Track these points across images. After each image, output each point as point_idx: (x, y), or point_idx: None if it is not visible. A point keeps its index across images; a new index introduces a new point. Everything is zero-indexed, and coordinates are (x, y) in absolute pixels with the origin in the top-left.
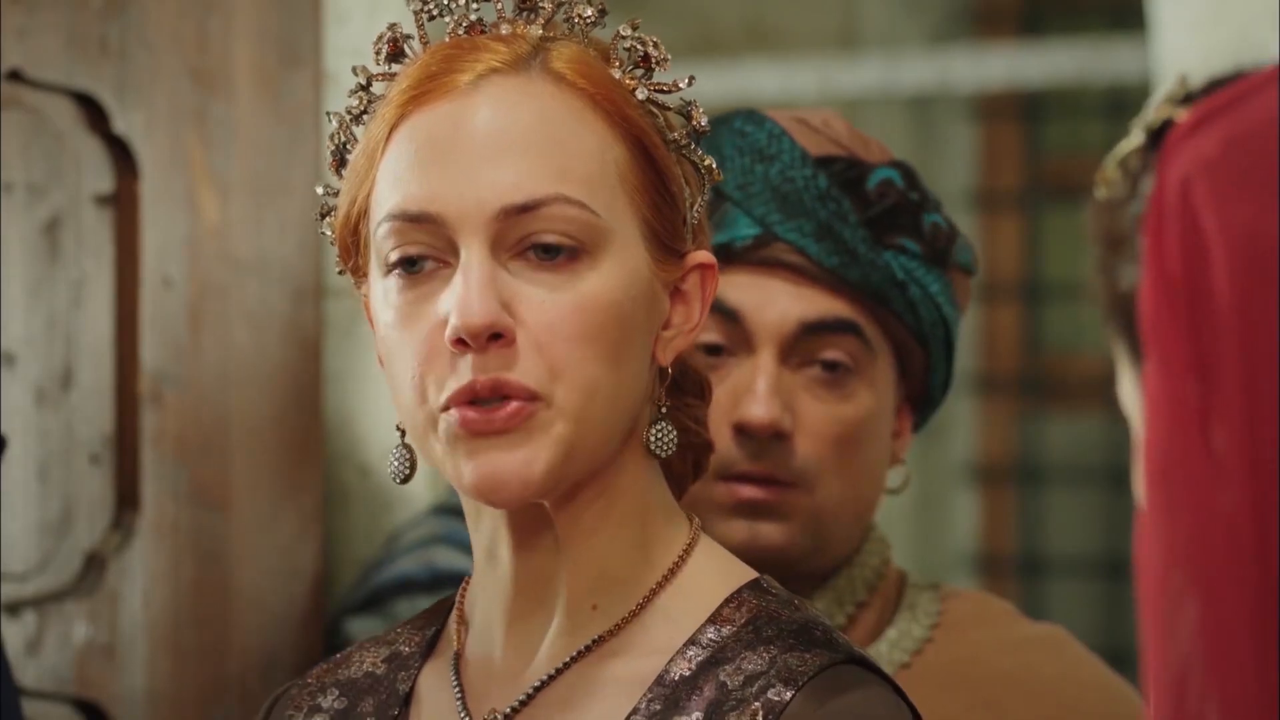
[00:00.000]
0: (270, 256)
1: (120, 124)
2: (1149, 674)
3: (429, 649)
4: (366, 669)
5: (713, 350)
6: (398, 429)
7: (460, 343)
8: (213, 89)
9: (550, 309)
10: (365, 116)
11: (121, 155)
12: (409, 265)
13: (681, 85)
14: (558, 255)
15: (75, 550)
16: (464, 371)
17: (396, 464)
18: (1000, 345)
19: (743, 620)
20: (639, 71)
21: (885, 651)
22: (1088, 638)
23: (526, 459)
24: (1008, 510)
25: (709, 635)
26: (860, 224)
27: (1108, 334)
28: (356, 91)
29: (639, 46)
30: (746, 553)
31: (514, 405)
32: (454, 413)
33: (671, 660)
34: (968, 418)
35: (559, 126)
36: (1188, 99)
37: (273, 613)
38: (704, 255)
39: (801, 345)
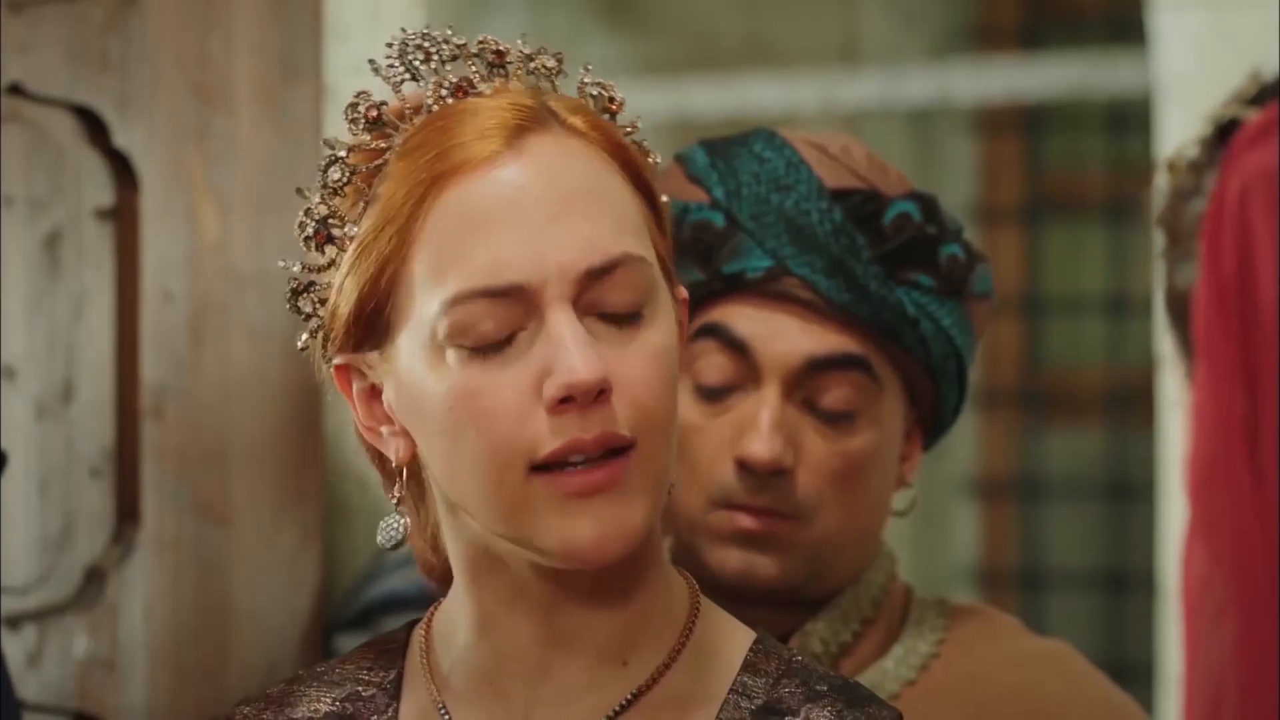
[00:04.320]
0: (270, 271)
1: (121, 138)
2: (1184, 684)
3: (395, 693)
4: (325, 710)
5: (713, 393)
6: (392, 498)
7: (565, 402)
8: (213, 104)
9: (636, 362)
10: (347, 187)
11: (122, 169)
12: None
13: (639, 126)
14: (627, 316)
15: (75, 564)
16: (566, 429)
17: (393, 532)
18: (1001, 359)
19: (775, 670)
20: (605, 116)
21: (892, 668)
22: (1088, 652)
23: (629, 512)
24: (1008, 524)
25: (749, 684)
26: (873, 260)
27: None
28: (334, 164)
29: (603, 92)
30: (741, 582)
31: (617, 460)
32: (553, 475)
33: (721, 709)
34: (968, 432)
35: (600, 180)
36: (1258, 98)
37: (273, 626)
38: (680, 289)
39: (808, 380)
